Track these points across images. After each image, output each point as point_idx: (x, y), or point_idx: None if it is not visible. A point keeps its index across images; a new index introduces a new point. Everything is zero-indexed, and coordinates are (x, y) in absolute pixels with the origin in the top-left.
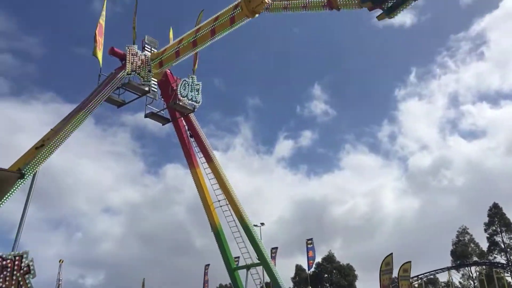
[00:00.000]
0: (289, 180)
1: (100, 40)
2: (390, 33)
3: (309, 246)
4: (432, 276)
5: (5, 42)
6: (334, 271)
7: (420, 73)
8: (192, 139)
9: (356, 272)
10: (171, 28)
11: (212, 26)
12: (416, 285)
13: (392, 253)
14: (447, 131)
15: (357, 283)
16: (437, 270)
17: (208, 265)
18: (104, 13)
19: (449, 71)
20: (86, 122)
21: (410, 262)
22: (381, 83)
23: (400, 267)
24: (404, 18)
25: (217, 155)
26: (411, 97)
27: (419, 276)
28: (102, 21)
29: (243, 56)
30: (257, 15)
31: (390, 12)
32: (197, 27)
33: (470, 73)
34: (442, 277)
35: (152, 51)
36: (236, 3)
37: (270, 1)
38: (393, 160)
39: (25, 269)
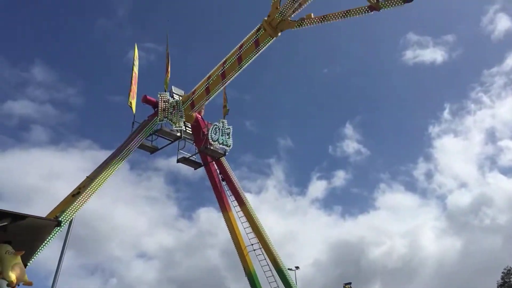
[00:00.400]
0: (323, 221)
1: (134, 88)
2: (421, 70)
3: None
4: None
5: (46, 93)
6: None
7: (454, 109)
8: (224, 183)
9: None
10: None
11: (238, 53)
12: None
13: None
14: (486, 168)
15: None
16: None
17: None
18: (136, 62)
19: (484, 106)
20: (121, 168)
21: None
22: (414, 120)
23: None
24: (435, 55)
25: (250, 197)
26: (446, 133)
27: None
28: (135, 70)
29: (273, 97)
30: (279, 33)
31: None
32: (224, 59)
33: (506, 108)
34: None
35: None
36: (258, 26)
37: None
38: (431, 199)
39: None
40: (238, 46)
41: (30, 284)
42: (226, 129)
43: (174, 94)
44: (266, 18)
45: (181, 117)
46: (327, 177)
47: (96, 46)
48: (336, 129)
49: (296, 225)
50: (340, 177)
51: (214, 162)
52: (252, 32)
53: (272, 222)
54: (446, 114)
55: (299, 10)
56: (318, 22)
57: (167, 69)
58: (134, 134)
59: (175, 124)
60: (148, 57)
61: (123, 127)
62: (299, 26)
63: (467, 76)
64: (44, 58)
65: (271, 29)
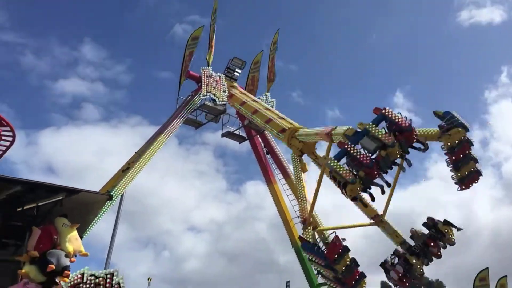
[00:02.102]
0: (374, 192)
1: (188, 65)
2: (477, 32)
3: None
4: None
5: (96, 71)
6: (422, 287)
7: None
8: (268, 156)
9: None
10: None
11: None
12: None
13: (487, 268)
14: None
15: None
16: None
17: (289, 281)
18: (190, 42)
19: None
20: (169, 143)
21: (506, 276)
22: (469, 85)
23: (497, 283)
24: (492, 14)
25: None
26: (503, 98)
27: None
28: (190, 49)
29: (321, 67)
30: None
31: None
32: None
33: None
34: None
35: (237, 73)
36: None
37: None
38: (486, 168)
39: (116, 286)
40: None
41: (86, 255)
42: (270, 102)
43: (231, 66)
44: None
45: (224, 91)
46: None
47: (143, 22)
48: (385, 98)
49: (343, 196)
50: None
51: (258, 136)
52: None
53: (320, 194)
54: (503, 77)
55: None
56: None
57: (211, 44)
58: (178, 110)
59: (218, 99)
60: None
61: (171, 103)
62: None
63: None
64: (93, 36)
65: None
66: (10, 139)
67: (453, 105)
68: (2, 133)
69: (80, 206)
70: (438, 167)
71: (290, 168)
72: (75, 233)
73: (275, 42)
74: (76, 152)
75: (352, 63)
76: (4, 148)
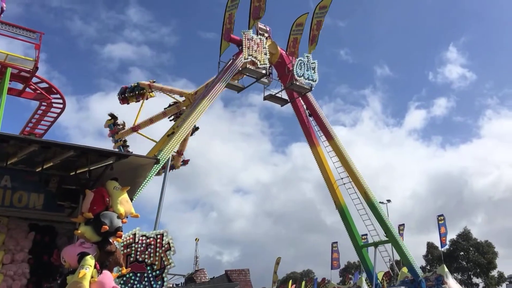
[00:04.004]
0: (422, 153)
1: (229, 27)
2: None
3: (440, 222)
4: None
5: (142, 34)
6: (470, 248)
7: None
8: (311, 118)
9: (497, 250)
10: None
11: None
12: None
13: None
14: None
15: (498, 261)
16: None
17: (336, 242)
18: (230, 3)
19: None
20: (215, 105)
21: None
22: None
23: None
24: None
25: (344, 131)
26: None
27: None
28: (229, 11)
29: (369, 23)
30: None
31: None
32: None
33: None
34: None
35: (264, 38)
36: None
37: None
38: None
39: (166, 246)
40: None
41: (137, 216)
42: (312, 63)
43: (260, 31)
44: None
45: (266, 54)
46: (426, 106)
47: None
48: (438, 54)
49: (393, 157)
50: (441, 106)
51: (300, 98)
52: None
53: (368, 155)
54: None
55: None
56: None
57: (252, 7)
58: (220, 74)
59: (260, 62)
60: None
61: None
62: None
63: None
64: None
65: None
66: (61, 106)
67: (509, 59)
68: (53, 100)
69: (129, 170)
70: (492, 125)
71: (333, 130)
72: (125, 196)
73: (326, 7)
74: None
75: (403, 18)
76: (55, 115)
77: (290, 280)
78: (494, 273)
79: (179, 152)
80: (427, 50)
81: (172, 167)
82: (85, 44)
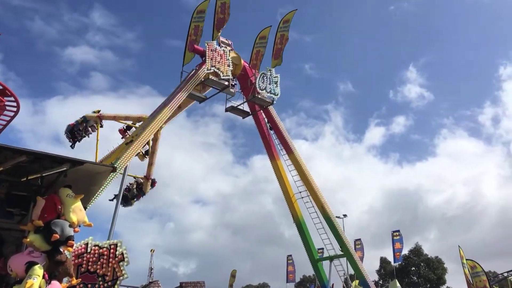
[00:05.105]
0: (380, 169)
1: (194, 39)
2: (495, 6)
3: (395, 238)
4: None
5: (106, 38)
6: (421, 264)
7: None
8: (272, 132)
9: (446, 265)
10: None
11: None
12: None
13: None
14: None
15: (447, 277)
16: None
17: (291, 255)
18: (195, 15)
19: None
20: (178, 115)
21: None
22: (484, 61)
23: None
24: None
25: (306, 145)
26: None
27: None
28: (195, 23)
29: (336, 39)
30: None
31: None
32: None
33: None
34: None
35: (227, 49)
36: None
37: None
38: (496, 145)
39: (119, 256)
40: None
41: (90, 225)
42: (274, 77)
43: (221, 44)
44: None
45: (229, 66)
46: (385, 123)
47: None
48: (398, 73)
49: (352, 172)
50: (400, 123)
51: (262, 111)
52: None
53: (328, 169)
54: None
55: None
56: None
57: (216, 18)
58: (183, 84)
59: (222, 73)
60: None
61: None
62: None
63: None
64: (103, 2)
65: None
66: (15, 109)
67: (465, 82)
68: (6, 103)
69: (84, 177)
70: (447, 144)
71: (293, 144)
72: (79, 204)
73: (288, 21)
74: None
75: (368, 36)
76: (8, 118)
77: None
78: None
79: (147, 177)
80: (389, 68)
81: (142, 193)
82: (45, 45)
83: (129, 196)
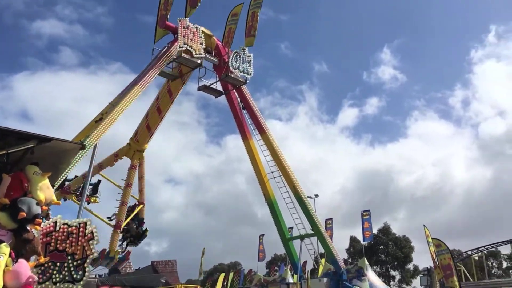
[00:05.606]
0: (352, 150)
1: (164, 14)
2: None
3: (364, 217)
4: (493, 249)
5: (76, 12)
6: (389, 242)
7: (501, 32)
8: (245, 111)
9: (414, 244)
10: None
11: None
12: (476, 258)
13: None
14: None
15: (414, 255)
16: (498, 242)
17: (263, 235)
18: None
19: None
20: (150, 92)
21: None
22: (456, 43)
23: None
24: None
25: (280, 125)
26: (489, 58)
27: (479, 249)
28: None
29: (311, 19)
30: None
31: None
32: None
33: None
34: (505, 250)
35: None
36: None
37: None
38: (465, 128)
39: (89, 235)
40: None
41: (58, 204)
42: (247, 56)
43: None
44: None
45: (201, 43)
46: (359, 105)
47: None
48: (372, 54)
49: (325, 153)
50: (373, 105)
51: (235, 90)
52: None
53: (301, 150)
54: (491, 37)
55: None
56: None
57: None
58: (154, 61)
59: (195, 51)
60: None
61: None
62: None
63: None
64: None
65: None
66: None
67: (437, 64)
68: None
69: (52, 155)
70: (418, 126)
71: (266, 124)
72: (46, 182)
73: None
74: (53, 99)
75: (344, 17)
76: None
77: (223, 274)
78: (410, 266)
79: (141, 202)
80: (364, 50)
81: (141, 219)
82: (11, 18)
83: (136, 236)
